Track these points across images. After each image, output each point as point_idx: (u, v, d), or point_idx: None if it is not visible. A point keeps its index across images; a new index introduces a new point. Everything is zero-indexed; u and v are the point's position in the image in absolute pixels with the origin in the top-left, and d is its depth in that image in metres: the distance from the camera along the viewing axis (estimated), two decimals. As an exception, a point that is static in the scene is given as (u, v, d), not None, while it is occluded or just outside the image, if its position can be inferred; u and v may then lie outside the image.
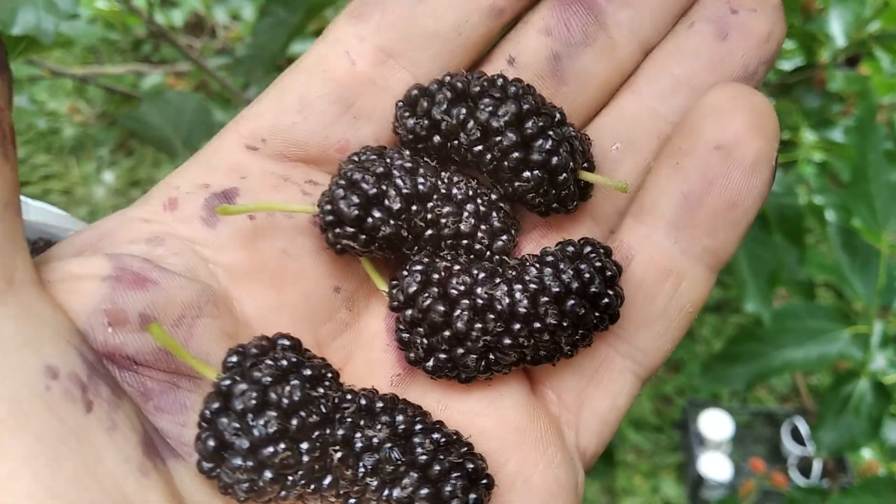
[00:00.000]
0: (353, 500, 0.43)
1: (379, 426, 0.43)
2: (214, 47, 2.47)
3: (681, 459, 2.44)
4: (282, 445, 0.40)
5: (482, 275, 0.46)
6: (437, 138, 0.48)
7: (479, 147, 0.47)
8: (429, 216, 0.47)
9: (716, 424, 2.37)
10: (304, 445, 0.41)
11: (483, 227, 0.48)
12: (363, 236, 0.46)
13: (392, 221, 0.46)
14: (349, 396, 0.44)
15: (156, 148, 1.51)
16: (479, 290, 0.45)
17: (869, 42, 1.44)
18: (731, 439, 2.37)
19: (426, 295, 0.46)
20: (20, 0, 0.76)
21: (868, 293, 1.27)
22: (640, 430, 2.51)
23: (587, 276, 0.45)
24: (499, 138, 0.47)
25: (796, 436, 2.37)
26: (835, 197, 1.35)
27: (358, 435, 0.42)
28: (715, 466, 2.30)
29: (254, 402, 0.40)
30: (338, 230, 0.46)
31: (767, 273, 1.29)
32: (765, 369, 1.29)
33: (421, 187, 0.47)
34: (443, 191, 0.48)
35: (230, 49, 2.38)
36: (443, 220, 0.48)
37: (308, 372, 0.42)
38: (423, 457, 0.42)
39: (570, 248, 0.47)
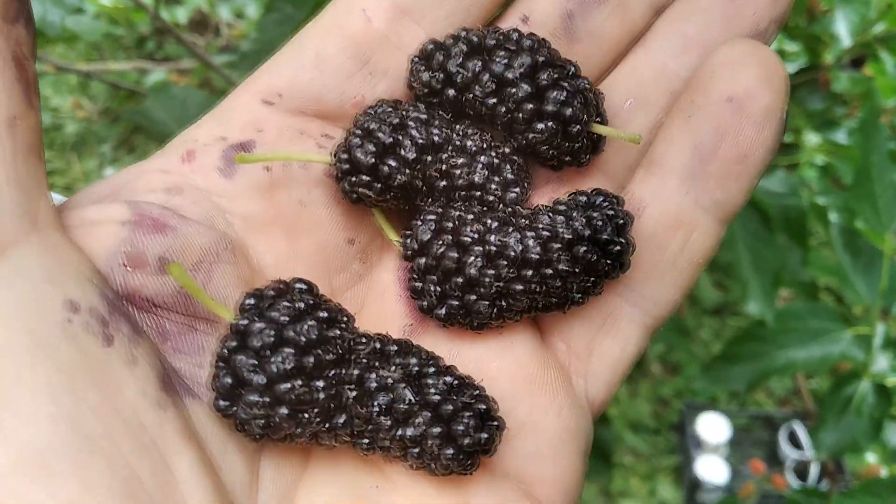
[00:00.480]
0: (365, 440, 0.43)
1: (392, 367, 0.43)
2: (218, 45, 2.47)
3: (678, 462, 2.43)
4: (298, 381, 0.40)
5: (495, 223, 0.47)
6: (451, 91, 0.49)
7: (494, 99, 0.48)
8: (442, 167, 0.48)
9: (713, 427, 2.37)
10: (320, 383, 0.41)
11: (496, 178, 0.49)
12: (378, 184, 0.46)
13: (407, 170, 0.47)
14: (364, 339, 0.44)
15: (161, 143, 1.50)
16: (491, 238, 0.46)
17: (874, 44, 1.44)
18: (728, 442, 2.37)
19: (440, 242, 0.46)
20: (28, -9, 0.76)
21: (871, 294, 1.27)
22: (638, 432, 2.50)
23: (598, 223, 0.46)
24: (513, 89, 0.47)
25: (793, 440, 2.37)
26: (838, 198, 1.35)
27: (372, 375, 0.43)
28: (712, 469, 2.30)
29: (271, 339, 0.41)
30: (353, 178, 0.46)
31: (770, 273, 1.29)
32: (766, 370, 1.28)
33: (435, 138, 0.48)
34: (457, 142, 0.49)
35: (234, 47, 2.39)
36: (456, 171, 0.48)
37: (324, 314, 0.43)
38: (435, 397, 0.43)
39: (583, 198, 0.48)
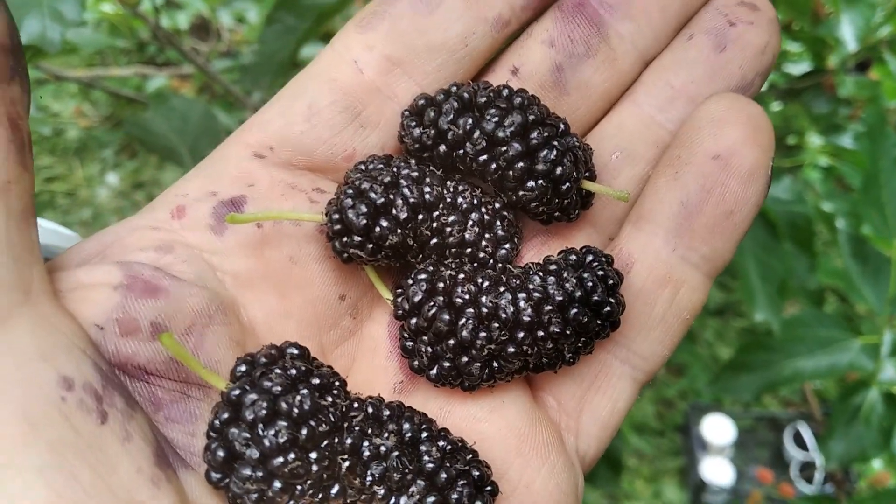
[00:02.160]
0: None
1: (386, 434, 0.43)
2: (220, 50, 2.47)
3: (683, 464, 2.43)
4: (291, 455, 0.40)
5: (486, 283, 0.46)
6: (442, 148, 0.49)
7: (485, 156, 0.48)
8: (434, 225, 0.48)
9: (718, 429, 2.37)
10: (314, 454, 0.41)
11: (487, 235, 0.49)
12: (370, 245, 0.46)
13: (399, 230, 0.46)
14: (357, 405, 0.44)
15: (161, 157, 1.50)
16: (483, 299, 0.46)
17: (879, 47, 1.43)
18: (733, 444, 2.36)
19: (431, 303, 0.46)
20: (26, 8, 0.76)
21: (878, 302, 1.26)
22: (643, 434, 2.50)
23: (590, 284, 0.46)
24: (504, 148, 0.47)
25: (798, 441, 2.36)
26: (845, 204, 1.34)
27: (366, 443, 0.42)
28: (717, 471, 2.29)
29: (264, 411, 0.40)
30: (345, 239, 0.46)
31: (777, 281, 1.28)
32: (774, 379, 1.27)
33: (427, 196, 0.47)
34: (448, 199, 0.49)
35: (235, 52, 2.38)
36: (448, 229, 0.48)
37: (317, 381, 0.43)
38: (430, 464, 0.43)
39: (573, 257, 0.48)
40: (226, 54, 2.40)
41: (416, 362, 0.48)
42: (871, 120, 1.23)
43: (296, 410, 0.41)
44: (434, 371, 0.47)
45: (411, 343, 0.48)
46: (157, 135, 1.40)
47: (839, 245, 1.32)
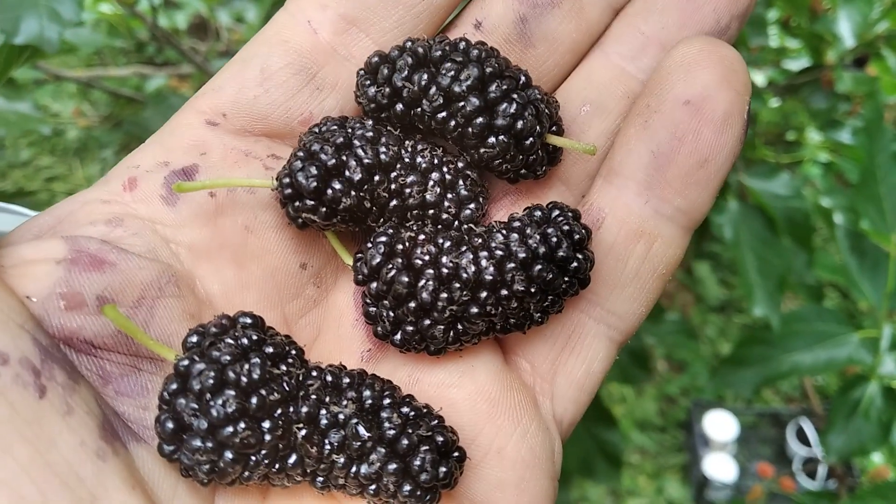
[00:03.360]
0: (320, 478, 0.42)
1: (345, 402, 0.42)
2: (218, 49, 2.47)
3: (685, 460, 2.43)
4: (241, 425, 0.39)
5: (447, 243, 0.45)
6: (399, 106, 0.47)
7: (443, 114, 0.46)
8: (392, 186, 0.46)
9: (721, 425, 2.36)
10: (266, 424, 0.40)
11: (449, 195, 0.47)
12: (324, 209, 0.45)
13: (353, 192, 0.45)
14: (314, 373, 0.43)
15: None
16: (444, 259, 0.44)
17: (877, 42, 1.43)
18: (736, 440, 2.36)
19: (390, 266, 0.45)
20: (24, 9, 0.76)
21: (877, 296, 1.26)
22: (645, 430, 2.50)
23: (554, 239, 0.44)
24: (462, 104, 0.45)
25: (801, 436, 2.36)
26: (843, 199, 1.34)
27: (323, 411, 0.41)
28: (720, 467, 2.29)
29: (211, 381, 0.39)
30: (297, 203, 0.44)
31: (776, 277, 1.28)
32: (773, 373, 1.28)
33: (383, 157, 0.46)
34: (407, 160, 0.47)
35: (234, 51, 2.38)
36: (407, 191, 0.47)
37: (270, 349, 0.41)
38: (391, 431, 0.41)
39: (538, 213, 0.46)
40: (224, 53, 2.40)
41: (379, 328, 0.46)
42: (869, 115, 1.23)
43: (244, 379, 0.39)
44: (398, 336, 0.46)
45: (373, 308, 0.46)
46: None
47: (837, 240, 1.32)
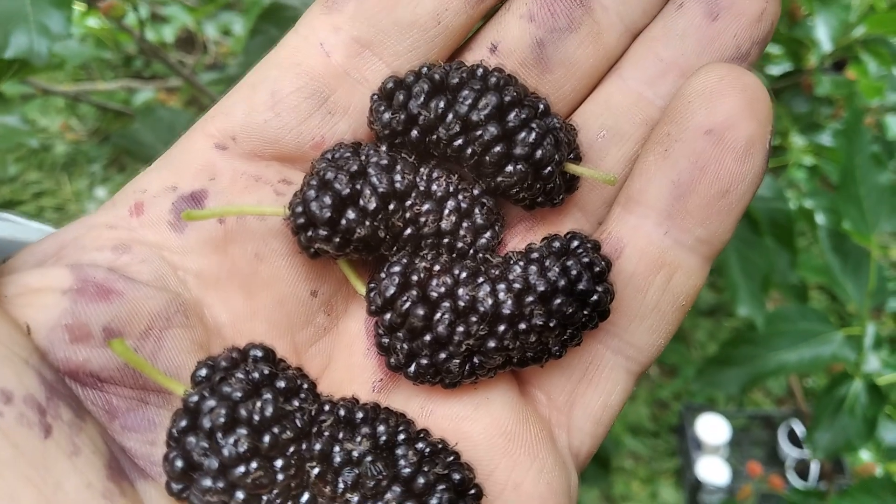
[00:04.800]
0: None
1: (359, 438, 0.40)
2: (206, 62, 2.48)
3: (678, 464, 2.43)
4: (254, 464, 0.38)
5: (464, 274, 0.44)
6: (414, 133, 0.46)
7: (459, 141, 0.45)
8: (407, 215, 0.45)
9: (712, 428, 2.37)
10: (279, 463, 0.39)
11: (465, 224, 0.47)
12: (337, 239, 0.43)
13: (368, 222, 0.44)
14: (327, 408, 0.41)
15: (149, 166, 1.51)
16: (460, 291, 0.43)
17: (855, 46, 1.45)
18: (728, 443, 2.37)
19: (405, 298, 0.43)
20: (13, 23, 0.76)
21: (859, 295, 1.28)
22: (637, 435, 2.50)
23: (574, 272, 0.43)
24: (479, 132, 0.44)
25: (793, 438, 2.37)
26: (824, 200, 1.35)
27: (336, 449, 0.40)
28: (713, 471, 2.29)
29: (223, 419, 0.38)
30: (310, 233, 0.43)
31: (759, 277, 1.30)
32: (759, 372, 1.29)
33: (398, 185, 0.45)
34: (422, 188, 0.46)
35: (221, 64, 2.39)
36: (422, 219, 0.46)
37: (282, 384, 0.40)
38: (407, 469, 0.40)
39: (556, 244, 0.45)
40: (212, 67, 2.41)
41: (392, 360, 0.45)
42: (849, 118, 1.25)
43: (257, 417, 0.38)
44: (412, 369, 0.45)
45: (387, 339, 0.45)
46: (146, 145, 1.41)
47: (820, 240, 1.34)
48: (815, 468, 2.25)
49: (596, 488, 2.26)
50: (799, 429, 2.35)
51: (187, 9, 2.18)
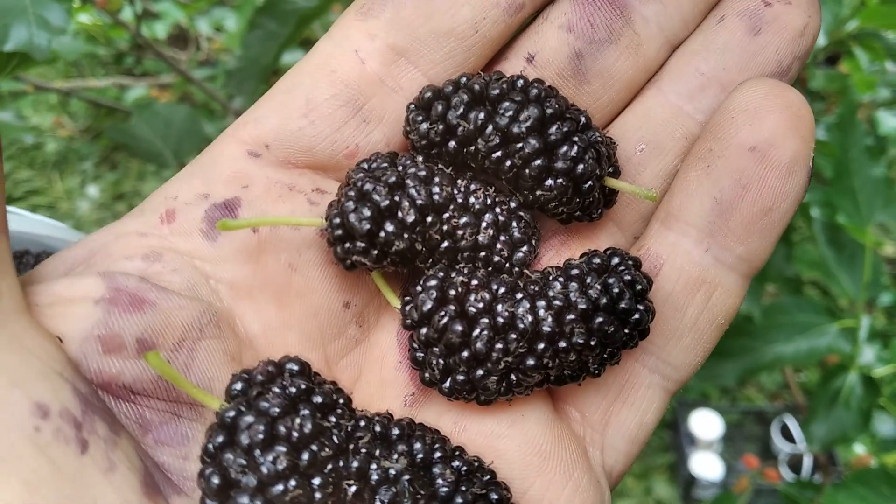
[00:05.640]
0: None
1: (396, 456, 0.40)
2: (198, 59, 2.47)
3: (672, 460, 2.44)
4: (292, 482, 0.37)
5: (502, 290, 0.43)
6: (452, 144, 0.45)
7: (498, 153, 0.44)
8: (444, 228, 0.44)
9: (706, 424, 2.38)
10: (317, 481, 0.38)
11: (502, 238, 0.46)
12: (375, 251, 0.43)
13: (406, 235, 0.43)
14: (363, 424, 0.40)
15: (145, 160, 1.51)
16: (499, 308, 0.42)
17: (848, 41, 1.46)
18: (721, 438, 2.38)
19: (442, 313, 0.43)
20: (12, 16, 0.76)
21: (855, 288, 1.28)
22: (632, 430, 2.51)
23: (616, 290, 0.42)
24: (520, 145, 0.44)
25: (786, 433, 2.38)
26: (819, 193, 1.36)
27: (373, 467, 0.39)
28: (706, 466, 2.30)
29: (261, 435, 0.37)
30: (348, 245, 0.43)
31: (756, 270, 1.30)
32: (755, 364, 1.29)
33: (436, 197, 0.44)
34: (459, 200, 0.45)
35: (214, 60, 2.38)
36: (459, 232, 0.45)
37: (319, 399, 0.39)
38: (444, 489, 0.39)
39: (597, 260, 0.44)
40: (205, 63, 2.41)
41: (427, 375, 0.44)
42: (843, 111, 1.26)
43: (296, 434, 0.37)
44: (447, 384, 0.44)
45: (422, 354, 0.44)
46: (142, 139, 1.41)
47: (815, 234, 1.35)
48: (807, 463, 2.27)
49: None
50: (792, 424, 2.36)
51: (179, 5, 2.17)
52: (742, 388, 2.58)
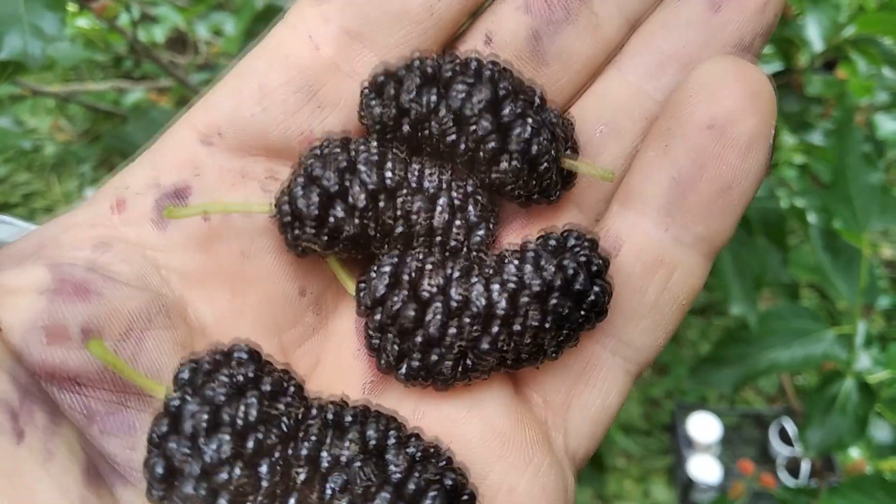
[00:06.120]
0: None
1: (347, 442, 0.39)
2: (197, 63, 2.47)
3: (670, 463, 2.44)
4: (237, 469, 0.36)
5: (457, 273, 0.42)
6: (406, 126, 0.44)
7: (453, 136, 0.44)
8: (398, 211, 0.44)
9: (704, 427, 2.38)
10: (264, 468, 0.37)
11: (458, 220, 0.45)
12: (325, 236, 0.42)
13: (357, 219, 0.42)
14: (314, 410, 0.40)
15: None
16: (453, 290, 0.41)
17: (845, 46, 1.46)
18: (719, 441, 2.38)
19: (395, 297, 0.42)
20: (6, 25, 0.76)
21: (851, 293, 1.28)
22: (630, 434, 2.51)
23: (571, 271, 0.41)
24: (473, 126, 0.43)
25: (784, 436, 2.38)
26: (816, 199, 1.36)
27: (324, 453, 0.38)
28: (704, 469, 2.30)
29: (205, 423, 0.36)
30: (297, 230, 0.42)
31: (752, 276, 1.30)
32: (751, 371, 1.29)
33: (388, 181, 0.43)
34: (413, 183, 0.44)
35: (213, 64, 2.38)
36: (413, 216, 0.44)
37: (267, 386, 0.39)
38: (397, 474, 0.39)
39: (553, 241, 0.43)
40: (203, 67, 2.41)
41: (382, 360, 0.44)
42: (840, 117, 1.26)
43: (240, 420, 0.37)
44: (402, 370, 0.43)
45: (377, 340, 0.44)
46: (138, 145, 1.40)
47: (811, 239, 1.35)
48: (805, 466, 2.27)
49: (589, 488, 2.26)
50: (790, 427, 2.36)
51: (178, 9, 2.17)
52: (741, 391, 2.58)
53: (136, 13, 1.61)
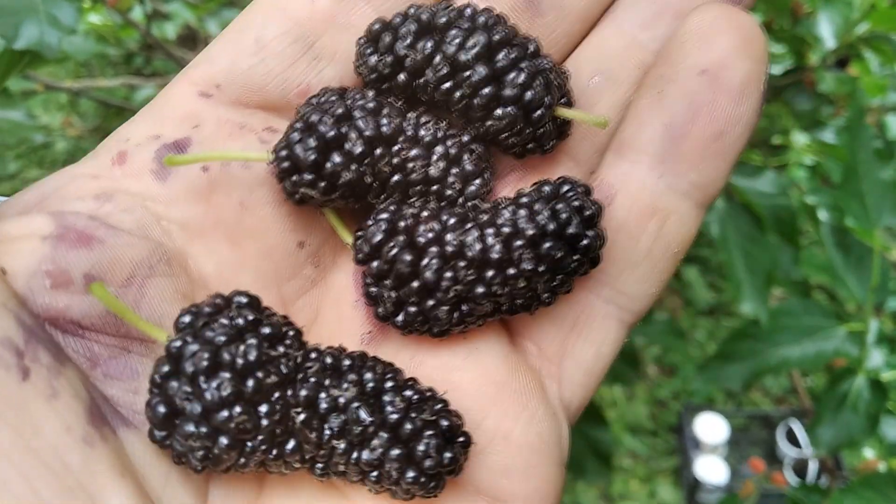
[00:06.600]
0: (319, 465, 0.40)
1: (345, 385, 0.40)
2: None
3: (677, 463, 2.44)
4: (237, 409, 0.37)
5: (452, 220, 0.43)
6: (402, 76, 0.45)
7: (448, 84, 0.44)
8: (394, 160, 0.44)
9: (711, 428, 2.37)
10: (263, 408, 0.38)
11: (454, 170, 0.45)
12: (322, 183, 0.42)
13: (354, 166, 0.42)
14: (313, 355, 0.41)
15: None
16: (448, 237, 0.42)
17: (857, 44, 1.46)
18: (726, 442, 2.37)
19: (392, 244, 0.42)
20: (23, 14, 0.76)
21: (862, 291, 1.27)
22: (636, 434, 2.51)
23: (564, 216, 0.42)
24: (468, 73, 0.43)
25: (791, 438, 2.37)
26: (827, 196, 1.35)
27: (322, 395, 0.39)
28: (711, 470, 2.30)
29: (205, 363, 0.37)
30: (295, 177, 0.42)
31: (763, 273, 1.29)
32: (761, 367, 1.28)
33: (384, 129, 0.43)
34: (409, 133, 0.45)
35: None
36: (410, 165, 0.44)
37: (267, 330, 0.39)
38: (394, 416, 0.39)
39: (547, 188, 0.44)
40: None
41: (380, 309, 0.44)
42: (851, 114, 1.26)
43: (240, 361, 0.37)
44: (400, 318, 0.43)
45: (375, 289, 0.44)
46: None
47: (823, 237, 1.34)
48: (813, 467, 2.26)
49: (595, 487, 2.26)
50: (797, 428, 2.35)
51: (189, 6, 2.18)
52: (747, 391, 2.57)
53: (148, 7, 1.61)
